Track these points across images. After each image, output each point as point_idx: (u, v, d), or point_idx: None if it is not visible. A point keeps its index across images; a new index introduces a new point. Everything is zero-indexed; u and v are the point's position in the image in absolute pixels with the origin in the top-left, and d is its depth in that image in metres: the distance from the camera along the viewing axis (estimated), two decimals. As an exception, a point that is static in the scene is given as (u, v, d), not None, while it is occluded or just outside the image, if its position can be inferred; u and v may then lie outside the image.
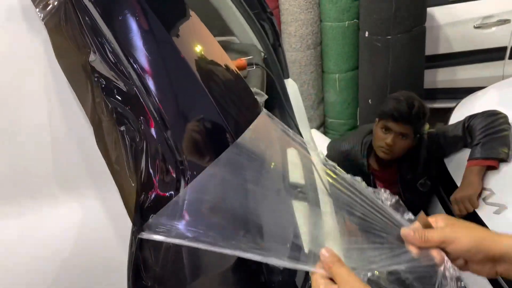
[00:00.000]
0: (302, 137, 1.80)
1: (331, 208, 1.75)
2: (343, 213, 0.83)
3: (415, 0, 2.84)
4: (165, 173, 0.65)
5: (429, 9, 3.22)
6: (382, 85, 3.09)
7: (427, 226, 0.69)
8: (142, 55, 0.66)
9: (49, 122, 0.70)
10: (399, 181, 1.87)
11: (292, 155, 1.94)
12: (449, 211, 1.71)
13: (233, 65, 0.90)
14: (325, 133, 3.65)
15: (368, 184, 2.06)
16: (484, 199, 1.49)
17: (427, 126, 1.89)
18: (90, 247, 0.69)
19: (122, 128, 0.66)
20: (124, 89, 0.65)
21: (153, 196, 0.63)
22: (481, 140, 1.58)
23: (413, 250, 0.69)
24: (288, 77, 2.05)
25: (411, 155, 1.80)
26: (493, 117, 1.62)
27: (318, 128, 3.62)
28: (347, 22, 3.13)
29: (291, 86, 2.03)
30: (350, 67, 3.31)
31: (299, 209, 1.60)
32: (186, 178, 0.64)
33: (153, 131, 0.65)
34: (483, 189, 1.51)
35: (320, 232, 1.51)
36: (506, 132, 1.56)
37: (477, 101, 2.05)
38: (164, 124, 0.65)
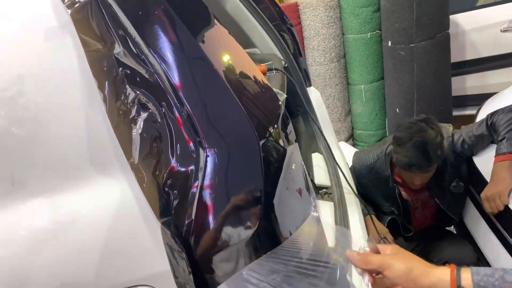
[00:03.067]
0: (327, 142, 1.83)
1: (357, 208, 1.76)
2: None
3: (436, 7, 2.84)
4: (186, 150, 0.70)
5: (452, 16, 3.22)
6: (408, 93, 3.09)
7: (376, 251, 0.82)
8: (163, 45, 0.72)
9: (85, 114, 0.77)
10: (429, 190, 1.85)
11: (318, 158, 1.96)
12: (482, 211, 1.67)
13: (252, 62, 0.96)
14: (354, 145, 3.65)
15: (394, 195, 2.02)
16: (515, 194, 1.46)
17: (450, 128, 1.87)
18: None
19: (144, 114, 0.72)
20: (147, 77, 0.71)
21: (173, 171, 0.68)
22: (505, 135, 1.56)
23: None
24: (310, 85, 2.09)
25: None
26: None
27: (346, 140, 3.62)
28: (369, 33, 3.16)
29: (314, 94, 2.07)
30: (375, 77, 3.32)
31: (326, 208, 1.61)
32: (205, 155, 0.69)
33: (175, 112, 0.70)
34: (513, 182, 1.48)
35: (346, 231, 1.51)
36: None
37: (502, 100, 2.02)
38: (182, 104, 0.70)
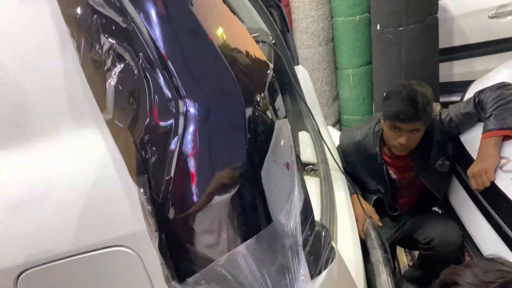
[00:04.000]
0: (314, 119, 1.81)
1: (344, 185, 1.73)
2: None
3: (425, -10, 2.83)
4: (165, 104, 0.66)
5: (441, 2, 3.21)
6: (396, 78, 3.07)
7: None
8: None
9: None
10: (416, 168, 1.84)
11: (304, 136, 1.94)
12: (468, 188, 1.67)
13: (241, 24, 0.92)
14: (340, 130, 3.64)
15: (382, 173, 2.04)
16: (501, 168, 1.45)
17: (438, 107, 1.86)
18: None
19: (120, 66, 0.68)
20: (124, 26, 0.67)
21: (150, 126, 0.65)
22: (493, 112, 1.55)
23: None
24: (298, 64, 2.06)
25: (424, 139, 1.76)
26: (502, 89, 1.59)
27: (333, 125, 3.60)
28: (358, 16, 3.13)
29: (302, 72, 2.04)
30: (363, 62, 3.30)
31: (312, 183, 1.59)
32: (185, 109, 0.66)
33: (154, 64, 0.66)
34: (500, 158, 1.48)
35: (332, 205, 1.49)
36: None
37: (488, 79, 2.01)
38: (161, 57, 0.66)
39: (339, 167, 1.62)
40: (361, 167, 1.91)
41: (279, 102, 0.87)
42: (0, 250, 0.72)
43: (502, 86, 1.61)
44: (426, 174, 1.81)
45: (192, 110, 0.68)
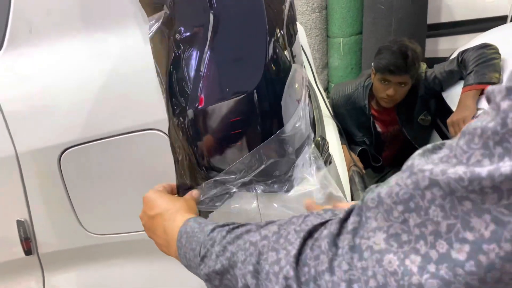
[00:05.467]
0: (310, 64, 1.92)
1: (335, 131, 1.86)
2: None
3: (418, -37, 2.94)
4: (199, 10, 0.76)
5: (432, -22, 3.32)
6: (384, 48, 3.20)
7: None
8: None
9: None
10: (400, 121, 1.99)
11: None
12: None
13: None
14: (328, 97, 3.76)
15: (368, 126, 2.19)
16: (477, 118, 1.59)
17: (424, 66, 2.00)
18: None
19: None
20: None
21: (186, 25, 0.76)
22: (474, 68, 1.70)
23: None
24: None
25: (409, 95, 1.91)
26: (483, 48, 1.74)
27: (321, 92, 3.72)
28: (352, -14, 3.22)
29: (299, 28, 2.14)
30: (354, 31, 3.41)
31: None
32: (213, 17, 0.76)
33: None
34: (477, 109, 1.63)
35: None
36: (496, 60, 1.67)
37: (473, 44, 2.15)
38: None
39: (330, 113, 1.74)
40: (349, 119, 2.05)
41: (297, 49, 0.96)
42: (46, 130, 0.82)
43: (484, 46, 1.75)
44: (409, 128, 1.96)
45: (223, 18, 0.78)
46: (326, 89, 3.78)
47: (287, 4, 1.02)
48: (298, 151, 0.92)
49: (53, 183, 0.84)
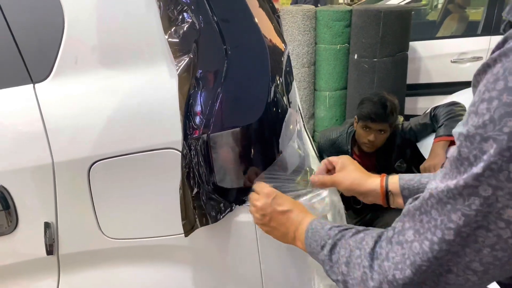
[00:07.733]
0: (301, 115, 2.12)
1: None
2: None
3: (399, 29, 3.26)
4: (216, 54, 0.95)
5: (412, 43, 3.65)
6: (367, 103, 3.46)
7: (329, 169, 1.04)
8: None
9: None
10: (378, 167, 2.18)
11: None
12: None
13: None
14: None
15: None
16: (444, 166, 1.80)
17: (401, 119, 2.23)
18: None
19: (187, 22, 0.97)
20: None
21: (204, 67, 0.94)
22: (444, 122, 1.93)
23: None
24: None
25: (387, 144, 2.12)
26: (452, 106, 1.99)
27: (307, 141, 3.93)
28: (339, 46, 3.52)
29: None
30: (340, 86, 3.68)
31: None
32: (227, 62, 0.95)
33: (212, 22, 0.96)
34: (446, 158, 1.83)
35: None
36: (463, 116, 1.89)
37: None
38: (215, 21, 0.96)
39: (316, 155, 1.92)
40: (333, 163, 2.24)
41: (293, 96, 1.16)
42: (80, 144, 0.97)
43: (453, 103, 2.00)
44: (387, 173, 2.14)
45: (234, 64, 0.97)
46: (312, 137, 4.00)
47: (285, 56, 1.23)
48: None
49: (81, 191, 0.99)
